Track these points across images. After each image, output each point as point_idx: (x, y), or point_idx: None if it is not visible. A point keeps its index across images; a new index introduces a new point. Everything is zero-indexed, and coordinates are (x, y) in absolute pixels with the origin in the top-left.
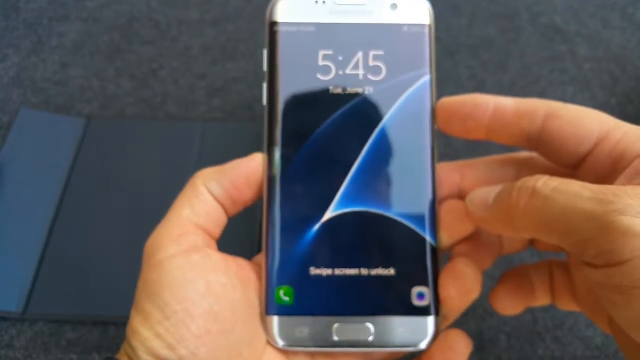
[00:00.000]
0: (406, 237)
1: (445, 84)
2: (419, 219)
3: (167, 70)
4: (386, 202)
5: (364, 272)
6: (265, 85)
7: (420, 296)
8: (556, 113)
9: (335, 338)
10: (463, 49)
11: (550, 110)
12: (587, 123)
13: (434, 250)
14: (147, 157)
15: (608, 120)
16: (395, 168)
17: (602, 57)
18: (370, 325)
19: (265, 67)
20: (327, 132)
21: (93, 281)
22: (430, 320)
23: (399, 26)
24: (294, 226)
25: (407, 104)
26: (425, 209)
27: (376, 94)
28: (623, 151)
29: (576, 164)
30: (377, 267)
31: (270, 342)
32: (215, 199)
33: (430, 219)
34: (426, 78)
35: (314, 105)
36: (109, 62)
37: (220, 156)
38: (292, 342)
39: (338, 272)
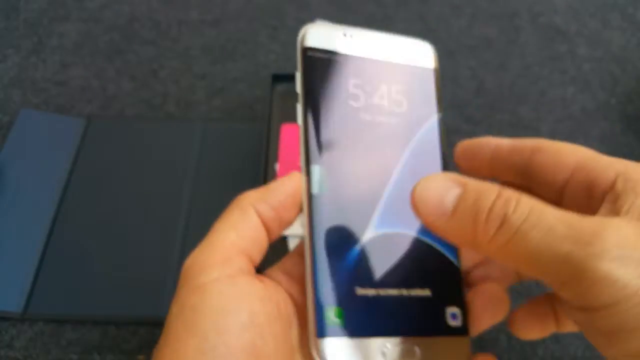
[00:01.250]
0: (436, 259)
1: (445, 84)
2: (443, 242)
3: (167, 70)
4: (416, 224)
5: (404, 292)
6: (299, 107)
7: (454, 316)
8: (541, 146)
9: None
10: (463, 49)
11: (536, 145)
12: (565, 154)
13: (460, 271)
14: (147, 157)
15: (585, 152)
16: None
17: (602, 57)
18: (416, 347)
19: (298, 89)
20: (361, 155)
21: (93, 281)
22: (465, 340)
23: (411, 67)
24: (339, 245)
25: (422, 135)
26: None
27: (399, 123)
28: (595, 178)
29: (558, 194)
30: (414, 287)
31: None
32: (263, 221)
33: None
34: (435, 115)
35: (348, 128)
36: (109, 62)
37: (220, 156)
38: None
39: (381, 292)
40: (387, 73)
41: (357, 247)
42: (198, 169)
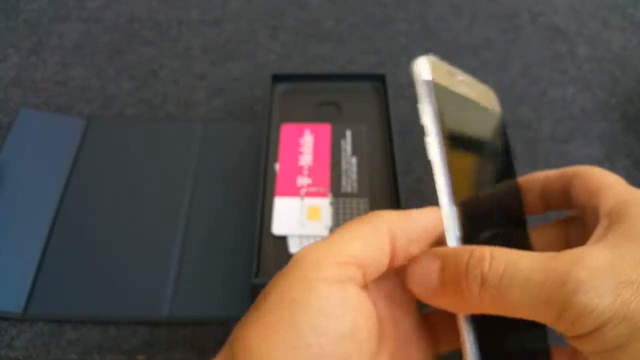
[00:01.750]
0: None
1: None
2: None
3: (167, 70)
4: None
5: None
6: (433, 140)
7: None
8: (577, 172)
9: None
10: (463, 49)
11: (574, 171)
12: (592, 178)
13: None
14: (147, 157)
15: (610, 178)
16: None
17: (602, 57)
18: None
19: (427, 121)
20: (494, 189)
21: (93, 281)
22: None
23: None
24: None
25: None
26: None
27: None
28: (601, 205)
29: (597, 218)
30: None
31: None
32: (393, 246)
33: None
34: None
35: (481, 162)
36: (109, 62)
37: (220, 156)
38: None
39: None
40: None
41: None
42: (198, 169)
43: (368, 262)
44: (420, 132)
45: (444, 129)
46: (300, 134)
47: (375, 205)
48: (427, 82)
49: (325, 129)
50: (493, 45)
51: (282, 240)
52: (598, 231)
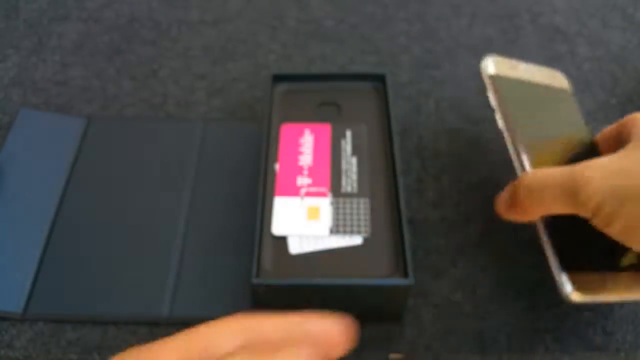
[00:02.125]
0: None
1: (445, 84)
2: None
3: (167, 70)
4: None
5: None
6: (497, 117)
7: None
8: (631, 117)
9: None
10: (463, 49)
11: (630, 117)
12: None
13: None
14: (147, 157)
15: None
16: None
17: (602, 57)
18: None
19: (492, 103)
20: (564, 145)
21: (93, 281)
22: None
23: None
24: None
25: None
26: None
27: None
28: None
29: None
30: None
31: None
32: None
33: None
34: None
35: (549, 127)
36: (109, 62)
37: (220, 156)
38: None
39: None
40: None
41: None
42: (198, 169)
43: None
44: (420, 131)
45: (506, 107)
46: (300, 134)
47: (376, 205)
48: (490, 76)
49: (326, 129)
50: (493, 45)
51: (282, 240)
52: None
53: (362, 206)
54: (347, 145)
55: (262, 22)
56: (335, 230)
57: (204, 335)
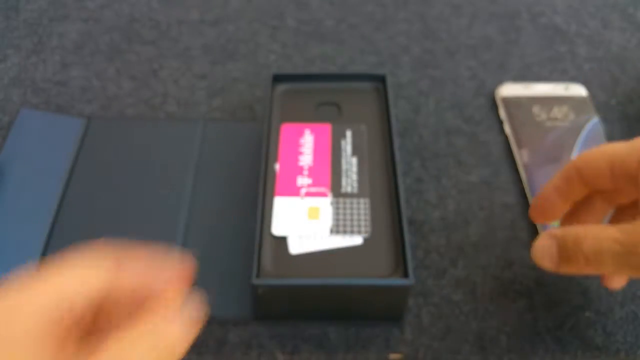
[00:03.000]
0: None
1: (445, 84)
2: None
3: (167, 70)
4: None
5: None
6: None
7: None
8: (575, 164)
9: None
10: (463, 49)
11: (572, 165)
12: (596, 157)
13: None
14: (147, 157)
15: (614, 148)
16: None
17: (602, 57)
18: None
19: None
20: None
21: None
22: None
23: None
24: None
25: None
26: None
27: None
28: (631, 177)
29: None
30: None
31: None
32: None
33: None
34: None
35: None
36: (109, 62)
37: (220, 156)
38: None
39: None
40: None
41: None
42: (198, 169)
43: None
44: (420, 131)
45: (517, 127)
46: (301, 134)
47: (376, 205)
48: (502, 99)
49: (326, 129)
50: (493, 45)
51: (283, 240)
52: None
53: (362, 206)
54: (347, 145)
55: (262, 22)
56: (335, 230)
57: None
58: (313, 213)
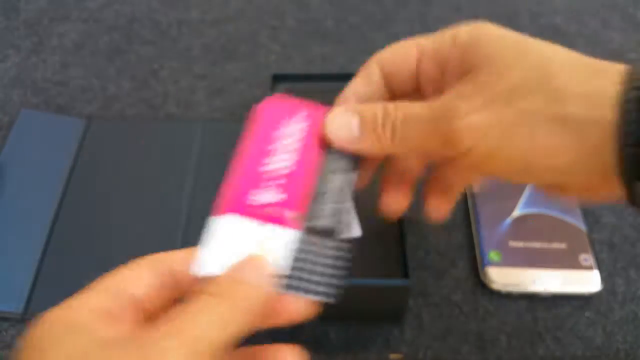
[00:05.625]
0: (567, 225)
1: None
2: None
3: (167, 70)
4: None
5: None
6: None
7: (585, 259)
8: (380, 58)
9: None
10: None
11: (376, 59)
12: (405, 46)
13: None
14: (147, 157)
15: (422, 39)
16: None
17: (602, 57)
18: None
19: None
20: None
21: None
22: (595, 273)
23: None
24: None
25: None
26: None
27: None
28: (440, 61)
29: (415, 89)
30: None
31: None
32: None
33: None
34: None
35: None
36: (109, 62)
37: (220, 156)
38: None
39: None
40: None
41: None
42: (198, 169)
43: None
44: None
45: None
46: (287, 118)
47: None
48: None
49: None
50: None
51: None
52: (452, 72)
53: (341, 252)
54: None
55: (262, 22)
56: (287, 284)
57: (119, 281)
58: (269, 249)
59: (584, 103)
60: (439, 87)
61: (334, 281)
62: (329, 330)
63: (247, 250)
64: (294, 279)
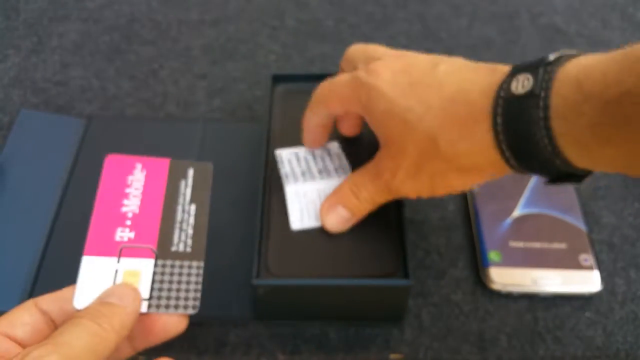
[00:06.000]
0: (567, 225)
1: None
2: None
3: (167, 70)
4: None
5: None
6: None
7: (585, 260)
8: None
9: None
10: (463, 49)
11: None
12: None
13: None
14: None
15: (340, 92)
16: None
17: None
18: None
19: None
20: None
21: None
22: (595, 273)
23: None
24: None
25: None
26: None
27: None
28: (359, 116)
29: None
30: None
31: None
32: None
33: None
34: None
35: None
36: (109, 62)
37: (220, 156)
38: None
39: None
40: None
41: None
42: None
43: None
44: None
45: None
46: (130, 169)
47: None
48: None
49: (163, 164)
50: (493, 45)
51: (286, 237)
52: None
53: (193, 271)
54: (187, 188)
55: (262, 22)
56: (154, 305)
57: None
58: (132, 279)
59: (470, 156)
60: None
61: (193, 295)
62: (329, 330)
63: (112, 282)
64: (157, 299)
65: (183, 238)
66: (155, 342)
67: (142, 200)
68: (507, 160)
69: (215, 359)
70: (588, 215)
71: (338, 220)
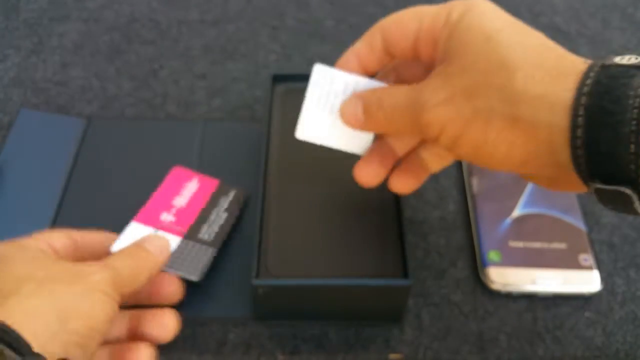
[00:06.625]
0: (567, 225)
1: None
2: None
3: (167, 70)
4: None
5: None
6: None
7: (585, 260)
8: (382, 26)
9: None
10: None
11: (379, 27)
12: (406, 18)
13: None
14: (147, 157)
15: (424, 10)
16: None
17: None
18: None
19: None
20: None
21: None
22: (595, 273)
23: None
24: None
25: None
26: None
27: None
28: (434, 38)
29: (414, 56)
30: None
31: None
32: None
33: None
34: None
35: None
36: (109, 62)
37: (220, 156)
38: None
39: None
40: None
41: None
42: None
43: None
44: None
45: None
46: (188, 179)
47: (376, 205)
48: None
49: (212, 183)
50: None
51: (284, 239)
52: (435, 62)
53: (207, 252)
54: (225, 201)
55: (262, 22)
56: (168, 265)
57: (46, 237)
58: None
59: (536, 106)
60: (431, 61)
61: (200, 267)
62: (328, 330)
63: None
64: (174, 262)
65: (209, 231)
66: (158, 300)
67: (189, 200)
68: (573, 130)
69: (215, 359)
70: (588, 215)
71: (350, 113)
